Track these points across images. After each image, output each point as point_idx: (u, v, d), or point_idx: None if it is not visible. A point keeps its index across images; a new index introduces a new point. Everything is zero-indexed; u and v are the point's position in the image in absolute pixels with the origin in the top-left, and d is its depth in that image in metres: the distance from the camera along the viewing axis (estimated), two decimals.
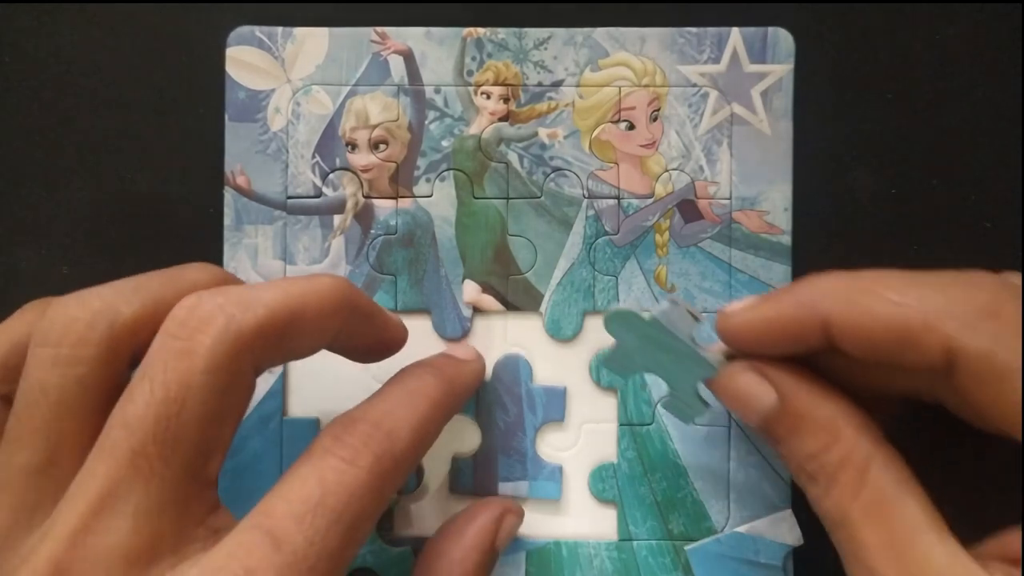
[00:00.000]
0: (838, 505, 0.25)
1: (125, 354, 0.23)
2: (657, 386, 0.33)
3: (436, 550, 0.29)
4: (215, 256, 0.33)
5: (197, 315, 0.22)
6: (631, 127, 0.34)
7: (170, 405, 0.21)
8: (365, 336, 0.27)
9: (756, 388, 0.26)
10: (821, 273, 0.26)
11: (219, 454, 0.22)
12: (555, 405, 0.33)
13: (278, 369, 0.33)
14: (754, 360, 0.27)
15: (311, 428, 0.33)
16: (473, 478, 0.33)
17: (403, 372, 0.28)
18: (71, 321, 0.23)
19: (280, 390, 0.33)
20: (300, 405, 0.33)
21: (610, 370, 0.29)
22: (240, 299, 0.22)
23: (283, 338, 0.23)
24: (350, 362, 0.29)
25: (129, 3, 0.35)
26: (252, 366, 0.23)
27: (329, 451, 0.23)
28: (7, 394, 0.25)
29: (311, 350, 0.25)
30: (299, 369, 0.33)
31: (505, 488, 0.33)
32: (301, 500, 0.22)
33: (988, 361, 0.22)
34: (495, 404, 0.33)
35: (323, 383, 0.33)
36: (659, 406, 0.33)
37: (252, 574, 0.20)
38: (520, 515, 0.31)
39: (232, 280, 0.27)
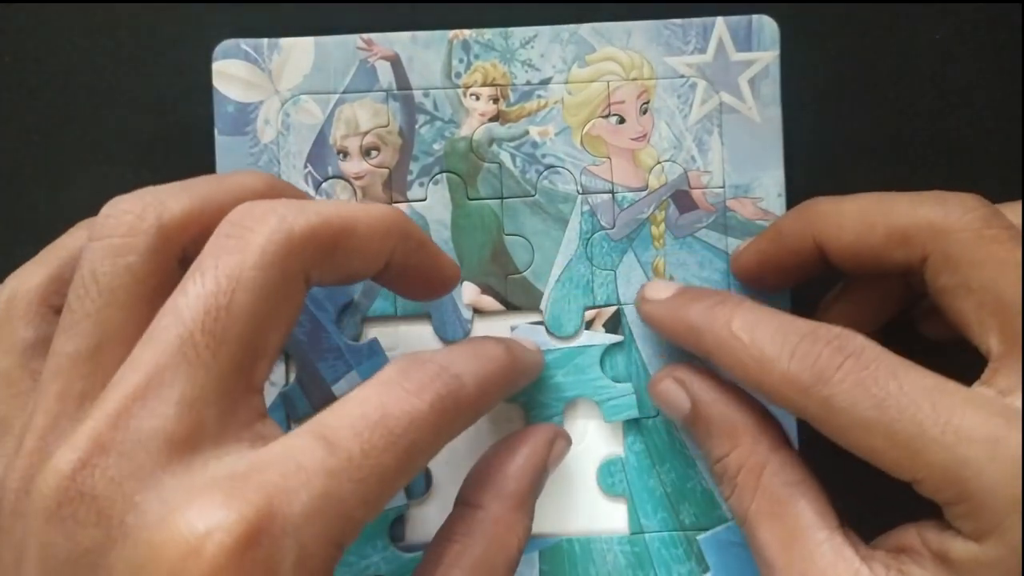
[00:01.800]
0: (739, 505, 0.27)
1: (174, 247, 0.24)
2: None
3: (491, 465, 0.28)
4: None
5: (251, 214, 0.22)
6: (621, 121, 0.34)
7: (219, 297, 0.21)
8: (418, 266, 0.27)
9: (674, 395, 0.30)
10: (807, 203, 0.29)
11: (266, 359, 0.22)
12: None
13: (279, 380, 0.33)
14: (677, 367, 0.30)
15: None
16: None
17: (471, 338, 0.30)
18: (122, 214, 0.23)
19: (282, 404, 0.33)
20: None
21: None
22: (293, 204, 0.23)
23: (334, 249, 0.23)
24: None
25: (123, 2, 0.35)
26: (303, 271, 0.23)
27: (394, 381, 0.23)
28: (59, 306, 0.26)
29: (363, 271, 0.25)
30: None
31: None
32: (360, 416, 0.22)
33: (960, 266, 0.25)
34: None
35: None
36: (605, 420, 0.34)
37: (303, 470, 0.20)
38: (569, 441, 0.31)
39: (283, 185, 0.27)
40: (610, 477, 0.33)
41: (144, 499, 0.20)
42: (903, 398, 0.23)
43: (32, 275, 0.27)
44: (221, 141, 0.33)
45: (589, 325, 0.33)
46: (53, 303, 0.27)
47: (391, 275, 0.26)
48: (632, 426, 0.33)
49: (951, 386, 0.23)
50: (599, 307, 0.34)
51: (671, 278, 0.33)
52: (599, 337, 0.33)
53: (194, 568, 0.19)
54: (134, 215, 0.23)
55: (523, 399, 0.33)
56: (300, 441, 0.21)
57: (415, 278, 0.28)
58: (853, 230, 0.27)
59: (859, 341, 0.24)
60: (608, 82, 0.34)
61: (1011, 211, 0.28)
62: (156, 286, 0.23)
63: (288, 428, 0.33)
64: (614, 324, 0.33)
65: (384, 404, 0.22)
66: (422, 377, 0.23)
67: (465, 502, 0.27)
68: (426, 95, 0.34)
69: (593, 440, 0.33)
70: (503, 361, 0.27)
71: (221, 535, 0.19)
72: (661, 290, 0.31)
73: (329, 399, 0.33)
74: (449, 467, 0.33)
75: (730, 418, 0.28)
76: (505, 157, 0.34)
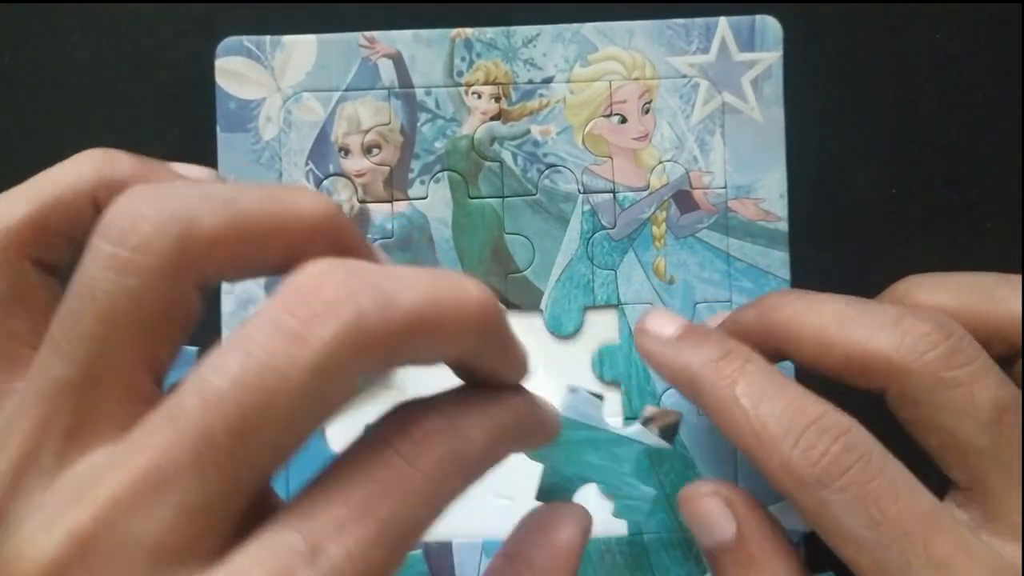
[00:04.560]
0: None
1: (194, 272, 0.19)
2: (660, 379, 0.33)
3: (524, 556, 0.25)
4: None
5: (324, 296, 0.18)
6: (623, 120, 0.34)
7: (258, 395, 0.17)
8: (488, 365, 0.22)
9: (719, 517, 0.26)
10: (768, 303, 0.27)
11: (288, 460, 0.19)
12: None
13: None
14: (720, 484, 0.27)
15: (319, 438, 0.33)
16: None
17: (493, 396, 0.23)
18: (138, 218, 0.18)
19: None
20: None
21: (547, 499, 0.29)
22: (378, 291, 0.18)
23: (406, 348, 0.19)
24: None
25: (125, 1, 0.35)
26: (363, 372, 0.19)
27: (388, 443, 0.19)
28: (46, 260, 0.22)
29: (423, 364, 0.21)
30: None
31: None
32: (346, 502, 0.19)
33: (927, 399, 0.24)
34: None
35: None
36: (613, 515, 0.31)
37: None
38: (591, 522, 0.27)
39: (348, 227, 0.21)
40: None
41: None
42: (899, 527, 0.22)
43: (11, 210, 0.22)
44: (223, 138, 0.33)
45: (647, 423, 0.30)
46: (32, 254, 0.22)
47: (450, 365, 0.22)
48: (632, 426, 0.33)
49: (945, 519, 0.23)
50: (599, 306, 0.34)
51: (671, 279, 0.33)
52: (649, 438, 0.30)
53: None
54: (152, 226, 0.18)
55: (546, 463, 0.30)
56: (280, 541, 0.18)
57: (475, 374, 0.23)
58: (811, 349, 0.25)
59: (868, 442, 0.23)
60: (610, 81, 0.34)
61: (1010, 287, 0.27)
62: (166, 313, 0.19)
63: None
64: (670, 432, 0.30)
65: (373, 479, 0.19)
66: (421, 436, 0.20)
67: None
68: (428, 93, 0.34)
69: None
70: (521, 413, 0.23)
71: None
72: (665, 324, 0.28)
73: None
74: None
75: (776, 562, 0.25)
76: (506, 156, 0.34)
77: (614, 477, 0.30)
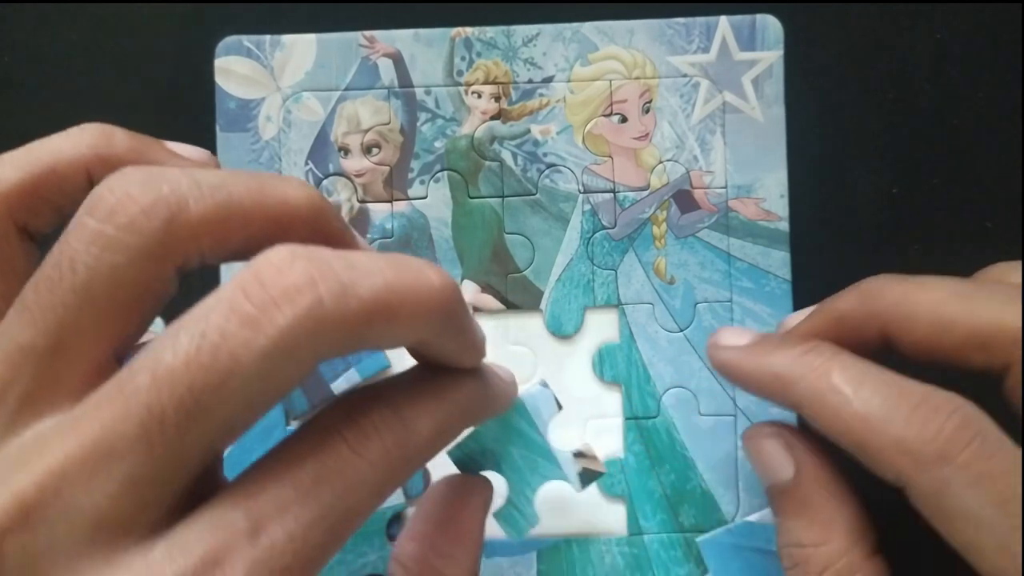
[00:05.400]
0: None
1: (177, 255, 0.19)
2: (661, 379, 0.33)
3: (435, 548, 0.26)
4: (211, 271, 0.33)
5: (282, 283, 0.18)
6: (623, 120, 0.34)
7: (210, 374, 0.18)
8: (445, 350, 0.23)
9: (777, 458, 0.27)
10: (870, 286, 0.26)
11: (237, 437, 0.20)
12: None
13: None
14: (783, 426, 0.27)
15: None
16: None
17: (445, 378, 0.24)
18: (127, 198, 0.19)
19: (281, 402, 0.33)
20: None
21: (453, 459, 0.28)
22: (337, 280, 0.18)
23: (364, 335, 0.19)
24: None
25: (125, 2, 0.35)
26: (317, 358, 0.19)
27: (336, 430, 0.20)
28: (31, 228, 0.23)
29: (381, 348, 0.22)
30: None
31: None
32: (291, 484, 0.19)
33: None
34: None
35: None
36: (492, 515, 0.29)
37: (219, 566, 0.18)
38: (492, 493, 0.28)
39: (329, 211, 0.22)
40: (609, 478, 0.33)
41: None
42: None
43: (3, 174, 0.23)
44: (222, 138, 0.33)
45: (579, 456, 0.29)
46: (18, 220, 0.22)
47: (408, 347, 0.23)
48: (632, 427, 0.33)
49: None
50: (599, 306, 0.33)
51: (672, 278, 0.33)
52: (569, 469, 0.29)
53: None
54: (140, 207, 0.19)
55: (476, 427, 0.29)
56: (223, 518, 0.18)
57: (429, 358, 0.23)
58: (927, 326, 0.24)
59: (982, 418, 0.22)
60: (610, 81, 0.34)
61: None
62: (145, 293, 0.20)
63: (287, 425, 0.33)
64: (588, 478, 0.29)
65: (320, 466, 0.19)
66: (367, 425, 0.20)
67: None
68: (428, 93, 0.34)
69: (592, 440, 0.33)
70: (471, 397, 0.24)
71: None
72: (738, 336, 0.28)
73: (327, 396, 0.33)
74: (449, 466, 0.33)
75: (831, 508, 0.25)
76: (506, 155, 0.34)
77: (520, 482, 0.29)
